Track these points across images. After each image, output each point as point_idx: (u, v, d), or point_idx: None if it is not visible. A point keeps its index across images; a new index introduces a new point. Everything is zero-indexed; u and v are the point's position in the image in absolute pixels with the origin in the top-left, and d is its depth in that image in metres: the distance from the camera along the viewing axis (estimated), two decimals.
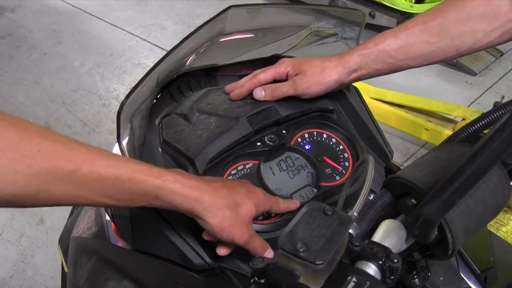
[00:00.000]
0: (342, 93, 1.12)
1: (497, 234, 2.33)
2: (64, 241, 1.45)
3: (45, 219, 2.56)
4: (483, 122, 0.78)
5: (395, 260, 0.56)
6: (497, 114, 0.76)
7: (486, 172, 0.56)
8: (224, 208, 0.81)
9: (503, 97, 2.53)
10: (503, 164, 0.72)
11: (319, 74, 1.04)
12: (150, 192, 0.76)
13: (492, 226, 2.36)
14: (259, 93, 1.05)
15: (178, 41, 0.98)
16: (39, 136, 0.68)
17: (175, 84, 1.14)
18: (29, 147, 0.67)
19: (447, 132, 2.57)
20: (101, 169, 0.72)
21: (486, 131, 0.74)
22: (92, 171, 0.71)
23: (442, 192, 0.59)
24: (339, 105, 1.12)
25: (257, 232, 0.91)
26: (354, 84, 1.14)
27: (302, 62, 1.07)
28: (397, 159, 2.78)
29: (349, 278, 0.52)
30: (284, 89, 1.05)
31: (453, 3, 0.99)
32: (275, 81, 1.08)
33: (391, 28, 3.44)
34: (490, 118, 0.78)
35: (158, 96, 1.14)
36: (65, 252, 1.42)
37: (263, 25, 1.18)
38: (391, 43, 1.01)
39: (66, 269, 1.37)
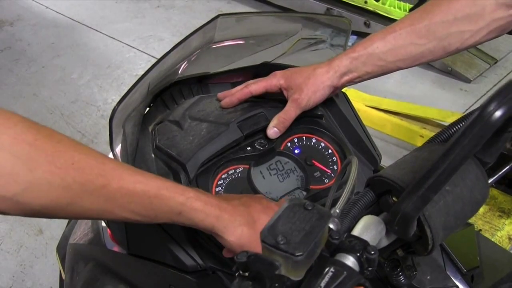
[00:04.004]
0: (331, 99, 1.14)
1: (492, 239, 2.35)
2: (62, 248, 1.47)
3: (44, 230, 2.58)
4: (463, 123, 0.81)
5: (372, 252, 0.58)
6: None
7: (458, 167, 0.59)
8: (242, 225, 0.81)
9: None
10: (481, 162, 0.75)
11: (313, 84, 1.05)
12: (174, 208, 0.77)
13: (487, 232, 2.38)
14: (273, 133, 1.05)
15: None
16: (72, 149, 0.69)
17: (168, 92, 1.17)
18: (63, 159, 0.67)
19: None
20: (130, 184, 0.73)
21: None
22: (121, 186, 0.72)
23: (418, 188, 0.62)
24: (328, 110, 1.14)
25: None
26: (348, 91, 1.16)
27: (293, 74, 1.08)
28: None
29: (327, 269, 0.55)
30: (292, 114, 1.05)
31: (438, 4, 1.01)
32: (266, 93, 1.10)
33: None
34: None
35: (151, 104, 1.16)
36: (62, 259, 1.44)
37: (252, 33, 1.21)
38: (380, 46, 1.03)
39: (63, 277, 1.39)
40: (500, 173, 0.81)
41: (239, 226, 0.81)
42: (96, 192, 0.70)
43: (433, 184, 0.60)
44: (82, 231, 1.34)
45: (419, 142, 2.72)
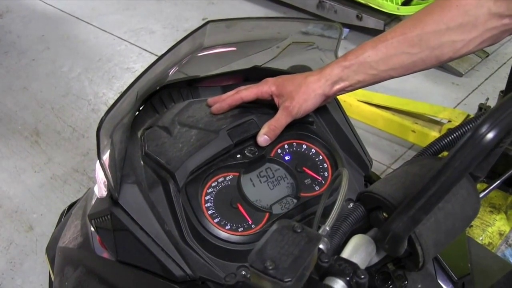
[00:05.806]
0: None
1: (483, 234, 2.36)
2: (51, 250, 1.46)
3: (34, 226, 2.56)
4: (454, 135, 0.80)
5: (362, 276, 0.58)
6: (467, 128, 0.79)
7: (450, 189, 0.58)
8: None
9: (487, 99, 2.55)
10: (472, 177, 0.74)
11: (304, 92, 1.04)
12: None
13: (478, 227, 2.39)
14: (264, 140, 1.04)
15: (167, 45, 0.98)
16: None
17: (157, 96, 1.15)
18: None
19: (434, 134, 2.61)
20: None
21: None
22: None
23: (409, 208, 0.61)
24: (319, 116, 1.13)
25: (237, 243, 0.93)
26: None
27: (285, 81, 1.07)
28: (384, 160, 2.80)
29: None
30: (282, 122, 1.04)
31: (430, 13, 1.00)
32: (257, 100, 1.09)
33: (378, 30, 3.45)
34: (461, 131, 0.80)
35: (140, 108, 1.15)
36: (52, 261, 1.43)
37: (242, 38, 1.19)
38: (371, 55, 1.02)
39: (53, 278, 1.39)
40: (491, 188, 0.80)
41: None
42: None
43: (424, 205, 0.60)
44: (71, 234, 1.33)
45: (411, 137, 2.72)
